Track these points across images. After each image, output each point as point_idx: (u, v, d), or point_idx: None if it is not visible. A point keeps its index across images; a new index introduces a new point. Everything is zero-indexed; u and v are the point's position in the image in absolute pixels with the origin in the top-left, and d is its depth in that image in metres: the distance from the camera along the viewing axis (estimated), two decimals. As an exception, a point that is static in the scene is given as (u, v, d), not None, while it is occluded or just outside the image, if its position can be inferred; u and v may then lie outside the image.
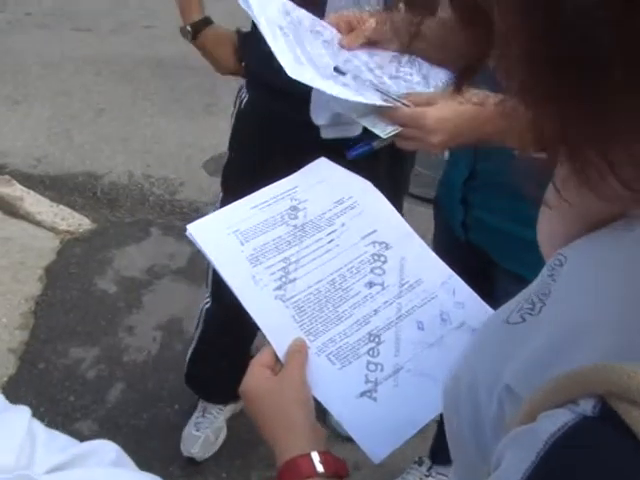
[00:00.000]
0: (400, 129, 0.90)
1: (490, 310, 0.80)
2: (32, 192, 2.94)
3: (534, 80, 0.34)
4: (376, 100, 0.90)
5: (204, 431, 1.92)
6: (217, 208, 1.67)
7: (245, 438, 1.96)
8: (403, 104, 0.90)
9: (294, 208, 0.84)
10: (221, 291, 1.71)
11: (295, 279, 0.78)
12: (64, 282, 2.49)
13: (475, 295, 0.82)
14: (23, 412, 0.55)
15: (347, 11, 1.11)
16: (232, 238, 0.80)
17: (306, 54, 0.92)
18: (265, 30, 0.91)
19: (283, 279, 0.78)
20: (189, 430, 1.94)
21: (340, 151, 1.36)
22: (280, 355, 0.72)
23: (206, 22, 1.57)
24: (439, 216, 1.30)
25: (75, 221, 2.81)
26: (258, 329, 1.86)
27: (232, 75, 1.64)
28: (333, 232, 0.83)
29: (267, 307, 0.76)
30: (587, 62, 0.30)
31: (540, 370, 0.38)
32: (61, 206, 2.90)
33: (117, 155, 3.34)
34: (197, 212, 2.92)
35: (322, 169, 0.89)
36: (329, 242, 0.82)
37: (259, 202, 0.84)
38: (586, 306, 0.40)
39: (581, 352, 0.37)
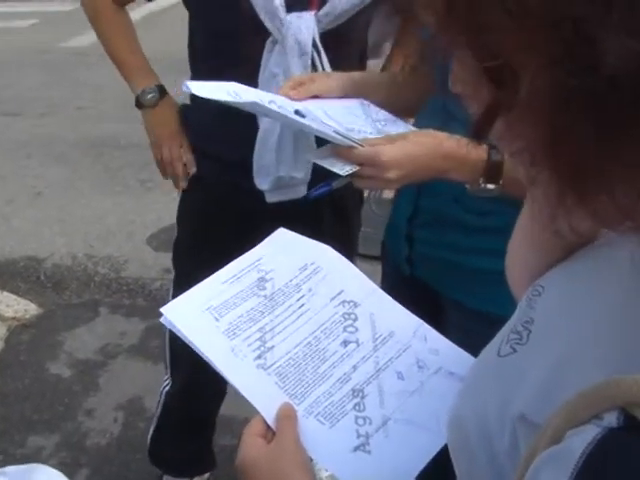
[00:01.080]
0: (358, 168, 0.94)
1: (462, 351, 0.84)
2: (-27, 281, 2.88)
3: (554, 135, 0.36)
4: (335, 139, 0.95)
5: (171, 507, 1.90)
6: (172, 286, 1.70)
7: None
8: (360, 145, 0.95)
9: (262, 279, 0.87)
10: (180, 372, 1.74)
11: (273, 347, 0.80)
12: (15, 370, 2.43)
13: (446, 339, 0.86)
14: None
15: (297, 75, 1.19)
16: (206, 315, 0.82)
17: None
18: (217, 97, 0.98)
19: (262, 348, 0.80)
20: (155, 507, 1.92)
21: (286, 214, 1.39)
22: (270, 422, 0.73)
23: (163, 90, 1.52)
24: (386, 256, 1.35)
25: (21, 307, 2.76)
26: (219, 404, 1.85)
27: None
28: (302, 297, 0.86)
29: (250, 377, 0.77)
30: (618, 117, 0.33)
31: (550, 395, 0.41)
32: (5, 293, 2.85)
33: (57, 237, 3.32)
34: (144, 288, 2.93)
35: (283, 239, 0.93)
36: (300, 307, 0.85)
37: (227, 277, 0.87)
38: (578, 327, 0.44)
39: (585, 371, 0.40)
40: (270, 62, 1.28)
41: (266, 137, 1.32)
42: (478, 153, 0.94)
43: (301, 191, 1.41)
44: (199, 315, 0.81)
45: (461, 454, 0.52)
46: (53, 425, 2.20)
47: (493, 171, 0.94)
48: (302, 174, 1.38)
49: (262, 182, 1.38)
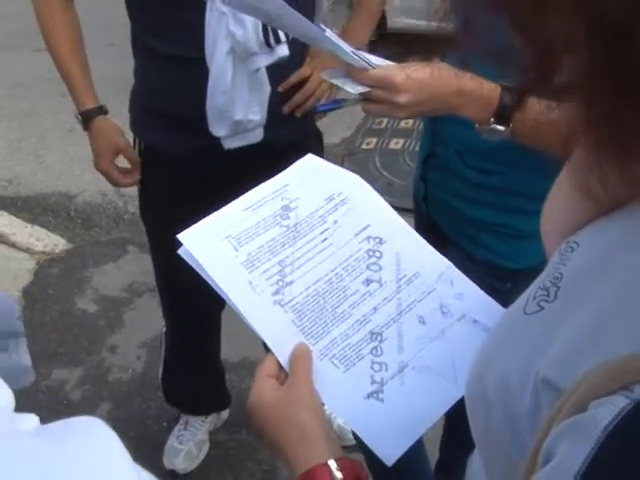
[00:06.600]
0: (369, 90, 0.93)
1: (489, 299, 0.79)
2: (5, 213, 2.91)
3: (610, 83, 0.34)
4: (353, 58, 0.92)
5: (187, 444, 1.93)
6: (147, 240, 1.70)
7: (231, 454, 1.97)
8: (374, 68, 0.94)
9: (286, 207, 0.81)
10: (167, 314, 1.75)
11: (292, 281, 0.76)
12: (43, 303, 2.47)
13: (473, 284, 0.81)
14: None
15: None
16: (225, 244, 0.77)
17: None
18: None
19: (280, 283, 0.75)
20: (171, 443, 1.94)
21: (247, 159, 1.38)
22: (283, 362, 0.70)
23: (101, 110, 1.52)
24: (414, 195, 1.39)
25: (51, 241, 2.79)
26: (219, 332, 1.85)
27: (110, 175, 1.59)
28: (326, 230, 0.81)
29: (266, 314, 0.73)
30: None
31: (576, 360, 0.39)
32: (35, 227, 2.88)
33: (88, 174, 3.31)
34: (172, 229, 2.93)
35: (310, 165, 0.88)
36: (323, 241, 0.80)
37: (250, 204, 0.81)
38: (611, 290, 0.41)
39: (615, 338, 0.38)
40: (217, 1, 1.26)
41: (217, 80, 1.30)
42: (491, 93, 0.92)
43: (259, 135, 1.40)
44: (217, 243, 0.76)
45: (478, 408, 0.50)
46: (77, 359, 2.24)
47: (504, 113, 0.93)
48: (258, 116, 1.36)
49: (218, 129, 1.36)
